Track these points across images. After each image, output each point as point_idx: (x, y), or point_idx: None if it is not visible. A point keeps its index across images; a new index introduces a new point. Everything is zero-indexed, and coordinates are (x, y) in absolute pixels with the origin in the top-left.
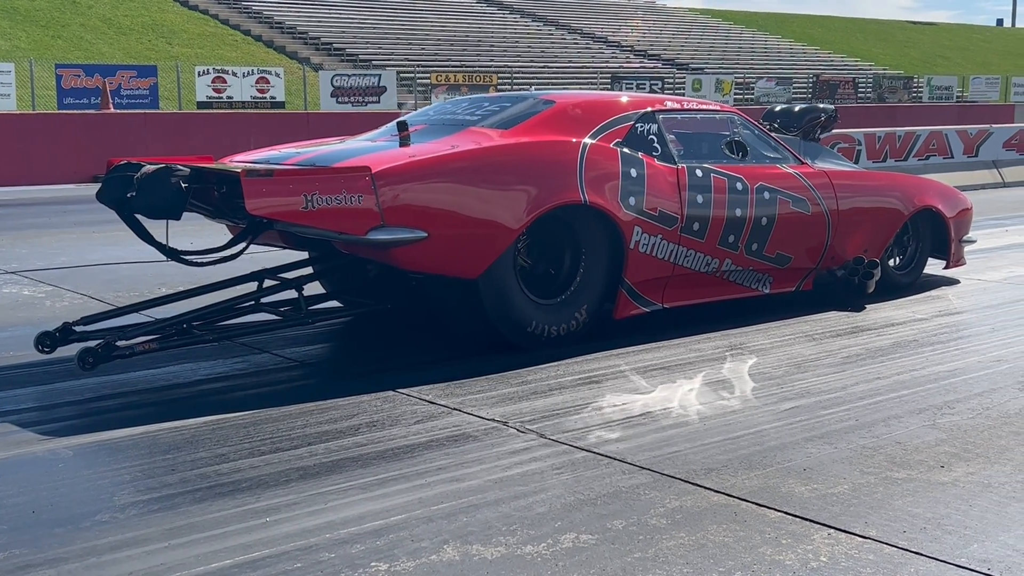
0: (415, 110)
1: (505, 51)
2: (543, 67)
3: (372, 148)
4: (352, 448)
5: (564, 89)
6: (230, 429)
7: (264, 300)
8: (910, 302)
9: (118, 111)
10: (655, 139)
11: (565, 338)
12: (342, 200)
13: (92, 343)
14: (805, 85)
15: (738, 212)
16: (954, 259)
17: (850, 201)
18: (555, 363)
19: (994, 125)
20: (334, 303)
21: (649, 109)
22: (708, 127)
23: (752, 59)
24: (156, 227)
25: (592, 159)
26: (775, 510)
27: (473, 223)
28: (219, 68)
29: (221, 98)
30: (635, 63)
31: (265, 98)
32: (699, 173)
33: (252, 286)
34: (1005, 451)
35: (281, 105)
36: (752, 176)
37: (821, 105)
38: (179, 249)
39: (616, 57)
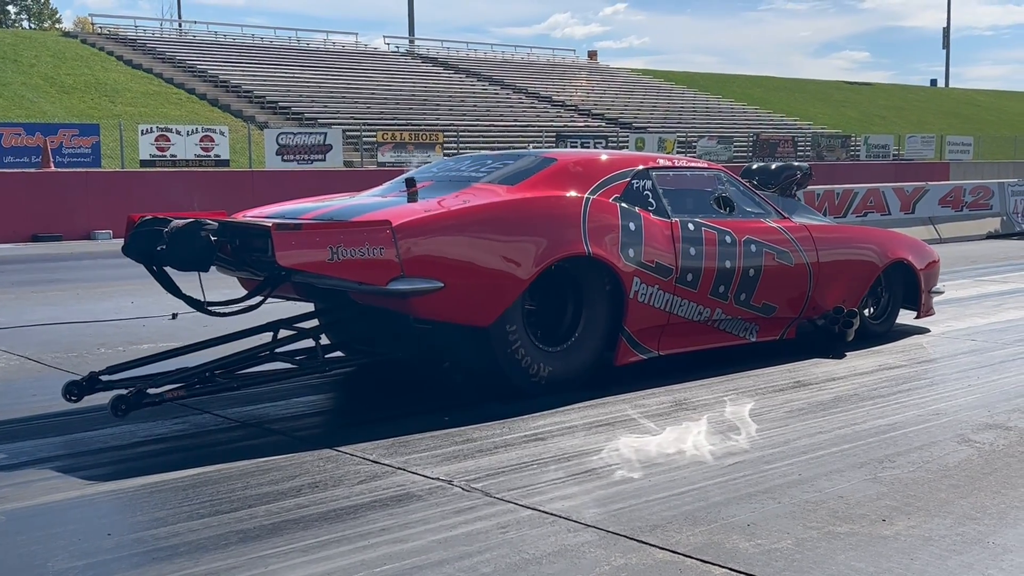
0: (417, 167)
1: (451, 110)
2: (489, 126)
3: (386, 203)
4: (293, 510)
5: (511, 147)
6: (168, 492)
7: (278, 350)
8: (851, 357)
9: (59, 169)
10: (650, 194)
11: (569, 384)
12: (365, 252)
13: (123, 391)
14: (746, 144)
15: (728, 264)
16: (924, 309)
17: (829, 254)
18: (502, 420)
19: (930, 183)
20: (338, 352)
21: (643, 167)
22: (697, 183)
23: (694, 118)
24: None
25: (594, 213)
26: (720, 566)
27: (486, 273)
28: (163, 126)
29: (165, 156)
30: (579, 122)
31: (209, 156)
32: (691, 227)
33: (267, 336)
34: (945, 504)
35: (226, 163)
36: (739, 230)
37: (796, 163)
38: (204, 300)
39: (561, 116)
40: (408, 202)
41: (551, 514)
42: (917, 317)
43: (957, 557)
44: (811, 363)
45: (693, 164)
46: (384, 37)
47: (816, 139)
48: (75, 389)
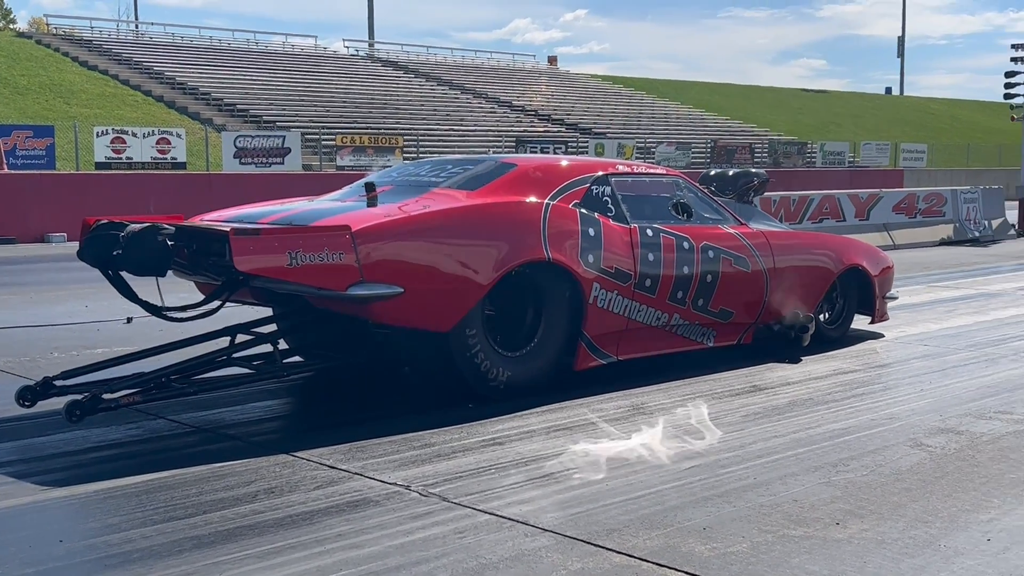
0: (378, 171)
1: (411, 114)
2: (449, 130)
3: (346, 208)
4: (249, 516)
5: (471, 151)
6: (122, 498)
7: (236, 355)
8: (806, 361)
9: (13, 171)
10: (609, 200)
11: (528, 389)
12: (324, 257)
13: (78, 396)
14: (704, 150)
15: (686, 270)
16: (879, 314)
17: (785, 259)
18: (461, 425)
19: (884, 189)
20: (297, 357)
21: (602, 172)
22: (656, 189)
23: (653, 124)
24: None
25: (554, 219)
26: (675, 570)
27: (446, 278)
28: (118, 128)
29: (120, 159)
30: (539, 127)
31: (166, 159)
32: (650, 232)
33: (224, 341)
34: (898, 507)
35: (182, 166)
36: (697, 236)
37: (754, 170)
38: (160, 306)
39: (521, 121)
40: (368, 207)
41: (509, 519)
42: (872, 322)
43: (909, 560)
44: (767, 368)
45: (652, 170)
46: (344, 40)
47: (773, 146)
48: (29, 394)
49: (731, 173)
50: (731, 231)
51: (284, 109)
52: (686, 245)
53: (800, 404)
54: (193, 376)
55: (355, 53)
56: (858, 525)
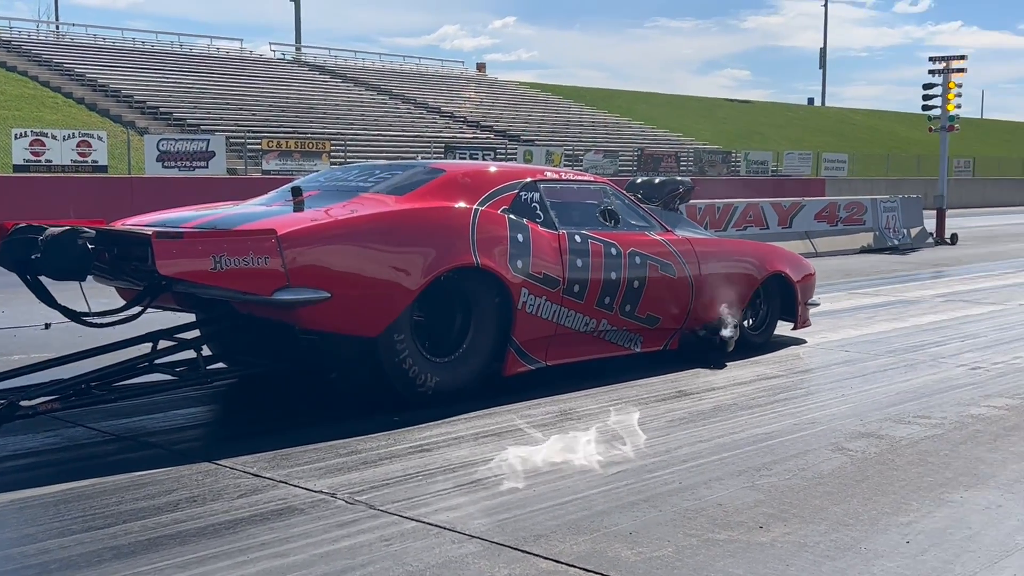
0: (305, 176)
1: (338, 119)
2: (377, 135)
3: (272, 212)
4: (170, 525)
5: (399, 157)
6: (38, 508)
7: (158, 361)
8: (730, 367)
9: None
10: (538, 206)
11: (457, 394)
12: (249, 261)
13: None
14: (631, 158)
15: (613, 275)
16: (801, 320)
17: (710, 266)
18: (388, 432)
19: (806, 198)
20: (221, 364)
21: (531, 179)
22: (584, 196)
23: (581, 132)
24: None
25: (483, 225)
26: (601, 574)
27: (374, 284)
28: (38, 131)
29: (39, 161)
30: (468, 134)
31: (87, 162)
32: (578, 239)
33: (146, 347)
34: (819, 511)
35: (104, 169)
36: (624, 242)
37: (679, 178)
38: (79, 311)
39: (449, 127)
40: (294, 211)
41: (436, 525)
42: (794, 328)
43: (830, 563)
44: (693, 373)
45: (580, 177)
46: (270, 44)
47: (698, 154)
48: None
49: (657, 181)
50: (657, 238)
51: (209, 112)
52: (613, 251)
53: (725, 409)
54: (114, 383)
55: (282, 57)
56: (781, 528)
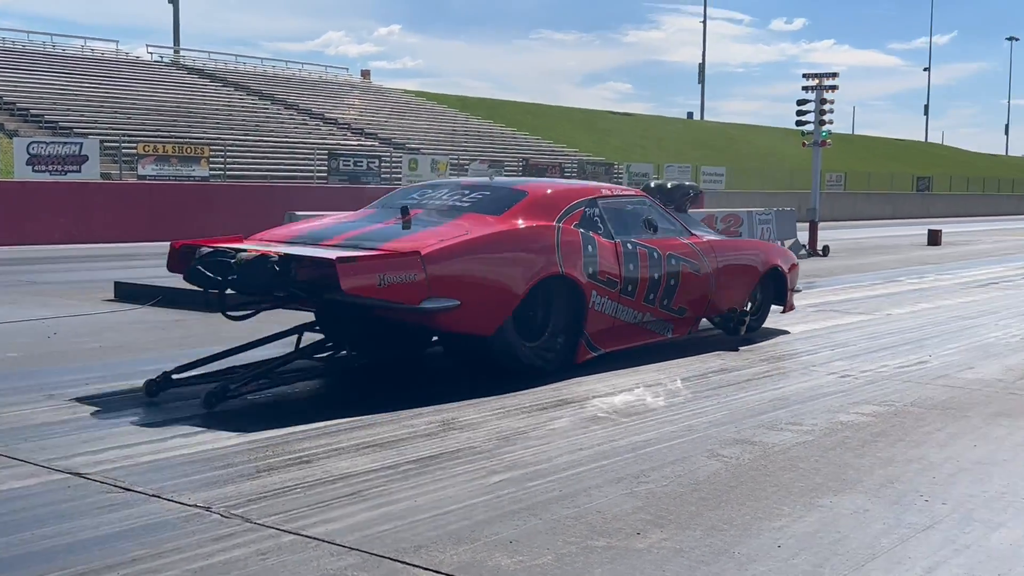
0: (393, 192)
1: (218, 124)
2: (258, 141)
3: (396, 229)
4: (36, 542)
5: (281, 163)
6: None
7: (304, 352)
8: (612, 376)
9: None
10: (599, 220)
11: (542, 369)
12: (403, 277)
13: (212, 386)
14: (515, 168)
15: (655, 275)
16: (788, 305)
17: (725, 262)
18: (267, 444)
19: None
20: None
21: (592, 196)
22: (630, 208)
23: (466, 141)
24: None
25: (564, 239)
26: None
27: (491, 291)
28: None
29: None
30: (352, 140)
31: None
32: (629, 246)
33: (281, 340)
34: (695, 516)
35: None
36: (662, 247)
37: (688, 183)
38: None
39: (333, 134)
40: (403, 228)
41: (314, 538)
42: (783, 312)
43: (705, 568)
44: (575, 382)
45: (626, 192)
46: (147, 46)
47: (582, 166)
48: (153, 386)
49: (669, 185)
50: (686, 241)
51: (82, 115)
52: (655, 255)
53: (605, 417)
54: (286, 370)
55: (159, 60)
56: (658, 535)
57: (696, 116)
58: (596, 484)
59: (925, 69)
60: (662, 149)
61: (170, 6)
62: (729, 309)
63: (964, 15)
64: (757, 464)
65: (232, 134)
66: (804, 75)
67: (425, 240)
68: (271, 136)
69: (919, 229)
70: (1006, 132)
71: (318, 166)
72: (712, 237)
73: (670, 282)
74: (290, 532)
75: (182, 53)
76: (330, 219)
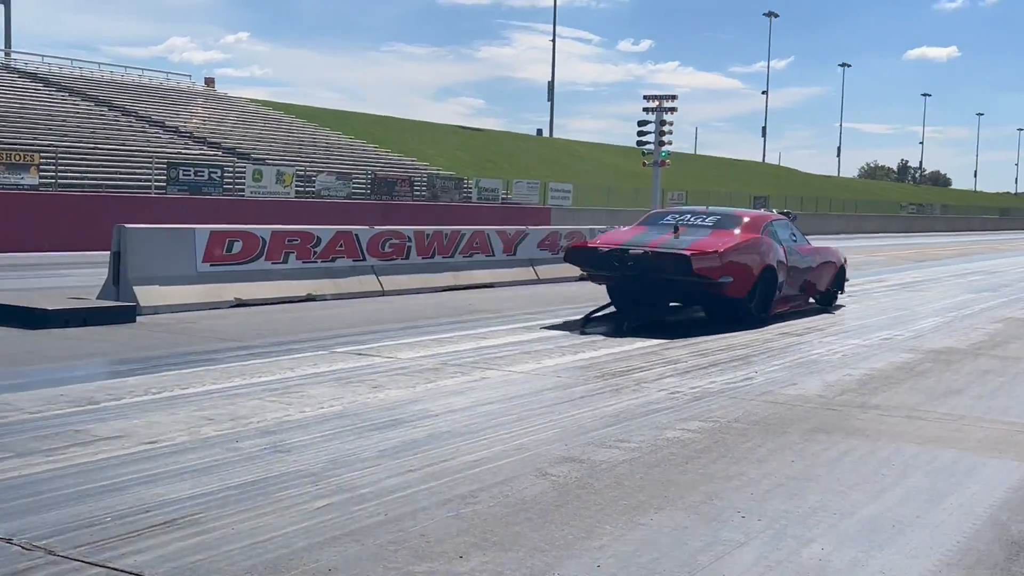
0: (655, 213)
1: (51, 130)
2: (93, 148)
3: (685, 238)
4: None
5: (119, 170)
6: None
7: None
8: (447, 393)
9: None
10: (775, 232)
11: (758, 318)
12: (712, 263)
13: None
14: (364, 181)
15: (801, 267)
16: (843, 291)
17: (822, 260)
18: (77, 472)
19: (530, 227)
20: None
21: (770, 219)
22: (783, 225)
23: (314, 153)
24: None
25: (767, 244)
26: None
27: (747, 272)
28: None
29: None
30: (194, 150)
31: None
32: (788, 248)
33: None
34: (519, 537)
35: None
36: (800, 249)
37: (787, 211)
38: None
39: (174, 142)
40: (675, 238)
41: (122, 570)
42: (841, 293)
43: None
44: (408, 402)
45: (779, 216)
46: None
47: (432, 180)
48: (584, 323)
49: (787, 211)
50: (807, 246)
51: None
52: (800, 254)
53: (438, 437)
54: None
55: None
56: (480, 557)
57: (545, 133)
58: (423, 507)
59: (763, 92)
60: (512, 165)
61: (1, 7)
62: (825, 290)
63: (801, 41)
64: (584, 482)
65: (65, 141)
66: (645, 97)
67: (713, 244)
68: (107, 144)
69: None
70: (838, 154)
71: (157, 176)
72: (815, 244)
73: (805, 272)
74: (96, 564)
75: (13, 56)
76: (626, 233)
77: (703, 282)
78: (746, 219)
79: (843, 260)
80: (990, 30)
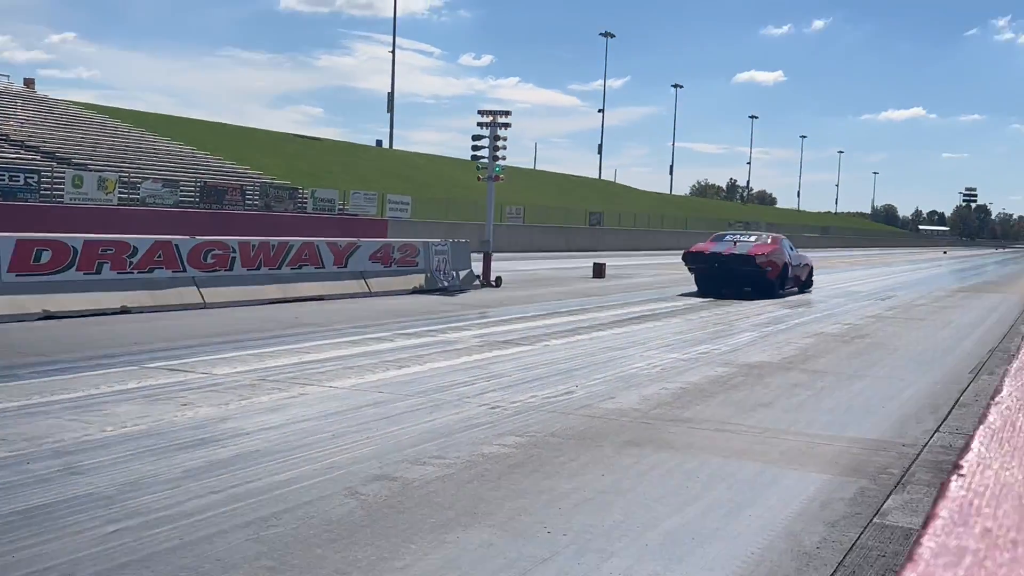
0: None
1: None
2: None
3: (743, 246)
4: None
5: None
6: None
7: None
8: (263, 411)
9: None
10: (785, 245)
11: (783, 295)
12: (765, 260)
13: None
14: (193, 189)
15: (796, 265)
16: (812, 284)
17: (803, 262)
18: None
19: (362, 239)
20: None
21: (782, 238)
22: (787, 241)
23: (140, 159)
24: None
25: (784, 250)
26: None
27: (777, 266)
28: None
29: None
30: (10, 153)
31: None
32: (793, 255)
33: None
34: (320, 560)
35: None
36: (794, 256)
37: (781, 235)
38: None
39: None
40: (735, 247)
41: None
42: (808, 289)
43: None
44: (219, 419)
45: (785, 237)
46: None
47: (265, 189)
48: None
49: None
50: (797, 254)
51: None
52: (797, 259)
53: (246, 456)
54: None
55: None
56: None
57: (385, 144)
58: (223, 530)
59: (600, 111)
60: (350, 175)
61: None
62: (804, 281)
63: (637, 62)
64: (394, 501)
65: None
66: (479, 112)
67: (760, 250)
68: None
69: (588, 262)
70: (671, 172)
71: (760, 233)
72: (800, 252)
73: (796, 267)
74: None
75: None
76: (708, 245)
77: (757, 271)
78: (770, 238)
79: (812, 265)
80: (814, 56)
